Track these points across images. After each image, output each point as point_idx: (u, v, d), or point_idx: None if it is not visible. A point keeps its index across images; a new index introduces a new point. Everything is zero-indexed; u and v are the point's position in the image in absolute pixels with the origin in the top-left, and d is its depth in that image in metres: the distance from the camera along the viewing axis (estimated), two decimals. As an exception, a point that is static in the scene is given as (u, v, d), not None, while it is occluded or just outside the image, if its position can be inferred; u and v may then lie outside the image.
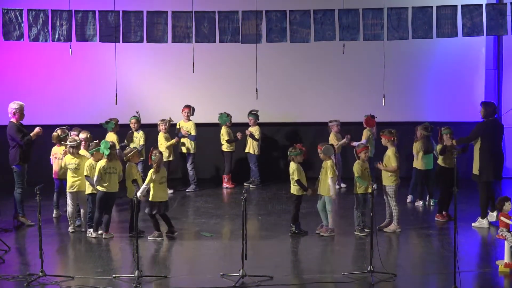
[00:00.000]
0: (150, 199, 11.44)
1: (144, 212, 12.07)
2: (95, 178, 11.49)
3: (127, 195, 11.70)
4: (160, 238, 11.46)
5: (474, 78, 15.97)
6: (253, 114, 15.39)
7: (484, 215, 12.12)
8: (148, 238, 11.48)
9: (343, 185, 15.12)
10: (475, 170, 12.15)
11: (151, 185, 11.37)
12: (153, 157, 11.37)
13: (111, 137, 14.21)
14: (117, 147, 14.21)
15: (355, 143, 13.41)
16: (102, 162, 11.50)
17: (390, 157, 11.71)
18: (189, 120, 15.10)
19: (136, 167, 11.83)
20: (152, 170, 11.40)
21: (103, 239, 11.52)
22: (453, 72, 15.99)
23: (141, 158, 13.89)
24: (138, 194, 11.09)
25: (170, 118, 14.90)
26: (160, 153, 11.57)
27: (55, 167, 12.65)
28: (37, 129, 12.36)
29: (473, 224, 12.15)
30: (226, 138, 15.31)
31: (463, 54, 15.87)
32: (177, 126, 15.11)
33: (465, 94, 15.98)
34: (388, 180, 11.71)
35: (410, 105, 16.06)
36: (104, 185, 11.48)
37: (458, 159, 12.00)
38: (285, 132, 16.37)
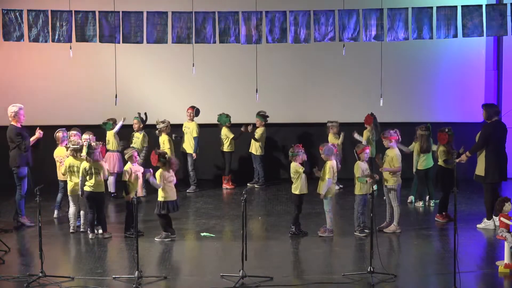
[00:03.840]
0: (159, 199, 11.42)
1: (143, 213, 12.06)
2: (79, 179, 11.58)
3: (124, 195, 11.68)
4: (167, 239, 11.41)
5: (474, 79, 15.94)
6: (260, 115, 15.36)
7: (490, 216, 12.05)
8: (155, 239, 11.44)
9: (340, 186, 15.07)
10: (479, 171, 12.10)
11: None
12: (162, 159, 11.38)
13: (110, 136, 14.30)
14: (117, 147, 14.28)
15: (357, 135, 13.87)
16: (84, 164, 11.55)
17: (393, 158, 11.70)
18: (193, 120, 15.11)
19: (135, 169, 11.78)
20: (160, 170, 11.39)
21: (103, 240, 11.52)
22: (453, 73, 15.96)
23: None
24: (157, 183, 11.29)
25: (167, 124, 14.90)
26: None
27: (59, 169, 12.61)
28: (37, 134, 12.35)
29: (478, 226, 12.11)
30: (231, 136, 15.27)
31: (463, 55, 15.84)
32: (183, 128, 15.13)
33: (465, 95, 15.95)
34: (391, 180, 11.70)
35: (410, 106, 16.02)
36: (89, 185, 11.52)
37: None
38: (284, 133, 16.34)
